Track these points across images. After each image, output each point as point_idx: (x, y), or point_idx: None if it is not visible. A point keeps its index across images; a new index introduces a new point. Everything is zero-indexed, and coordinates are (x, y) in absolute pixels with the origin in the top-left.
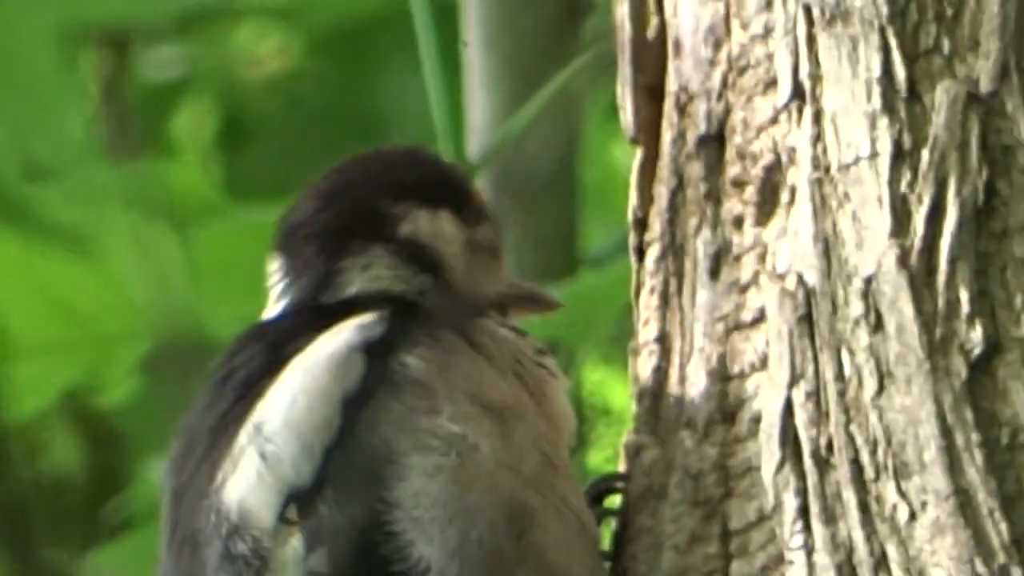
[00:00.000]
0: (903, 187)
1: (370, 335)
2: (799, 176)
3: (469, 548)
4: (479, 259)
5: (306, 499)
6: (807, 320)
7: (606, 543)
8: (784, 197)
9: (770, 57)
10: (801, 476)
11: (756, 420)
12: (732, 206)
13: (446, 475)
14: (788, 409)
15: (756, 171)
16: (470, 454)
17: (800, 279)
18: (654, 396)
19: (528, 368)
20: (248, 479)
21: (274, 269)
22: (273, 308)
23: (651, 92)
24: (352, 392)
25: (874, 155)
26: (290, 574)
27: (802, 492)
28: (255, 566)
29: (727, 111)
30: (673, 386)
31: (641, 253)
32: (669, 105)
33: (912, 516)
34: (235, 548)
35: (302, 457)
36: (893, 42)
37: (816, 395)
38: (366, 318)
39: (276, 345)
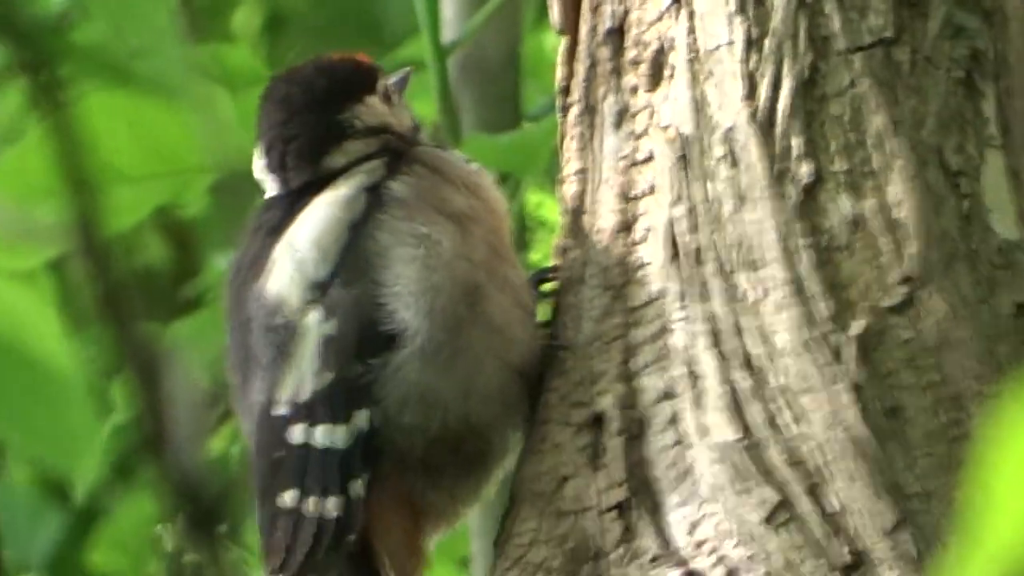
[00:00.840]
0: (751, 65)
1: (373, 178)
2: (678, 58)
3: (435, 313)
4: (395, 101)
5: (323, 287)
6: (683, 159)
7: (544, 315)
8: (667, 72)
9: None
10: (680, 269)
11: (648, 229)
12: (630, 79)
13: (419, 262)
14: (671, 222)
15: (647, 54)
16: (434, 247)
17: (678, 130)
18: (575, 212)
19: (465, 173)
20: (283, 277)
21: (262, 165)
22: (271, 190)
23: None
24: (357, 218)
25: (731, 43)
26: (310, 336)
27: (681, 280)
28: (286, 333)
29: (626, 11)
30: (588, 205)
31: (565, 112)
32: (585, 6)
33: (761, 297)
34: (273, 321)
35: (321, 260)
36: None
37: (691, 212)
38: (370, 165)
39: (291, 204)
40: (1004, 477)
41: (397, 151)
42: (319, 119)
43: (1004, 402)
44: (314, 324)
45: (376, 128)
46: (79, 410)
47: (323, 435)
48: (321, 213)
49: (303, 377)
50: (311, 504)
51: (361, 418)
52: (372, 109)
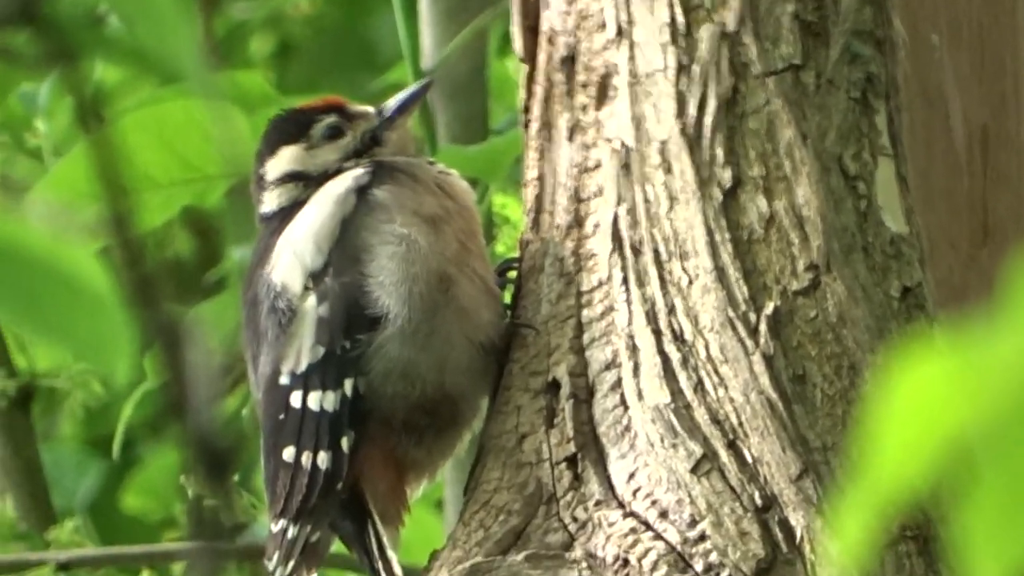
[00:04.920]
0: (682, 87)
1: (361, 181)
2: (621, 81)
3: (413, 299)
4: (323, 146)
5: (318, 276)
6: (626, 167)
7: (508, 299)
8: (612, 93)
9: (602, 10)
10: (623, 259)
11: (596, 225)
12: (580, 99)
13: (399, 257)
14: (616, 219)
15: (595, 78)
16: (412, 244)
17: (622, 142)
18: (535, 211)
19: (438, 178)
20: (285, 267)
21: None
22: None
23: (532, 31)
24: (347, 216)
25: (665, 68)
26: (308, 317)
27: (624, 268)
28: (288, 314)
29: (577, 42)
30: (547, 205)
31: (527, 127)
32: (543, 39)
33: (690, 282)
34: (277, 304)
35: (316, 253)
36: (675, 1)
37: (632, 211)
38: (359, 171)
39: (285, 217)
40: (888, 432)
41: (381, 163)
42: (254, 173)
43: (891, 370)
44: (311, 307)
45: (283, 177)
46: (113, 319)
47: (316, 400)
48: (316, 212)
49: (301, 351)
50: (305, 458)
51: (348, 386)
52: (278, 162)
